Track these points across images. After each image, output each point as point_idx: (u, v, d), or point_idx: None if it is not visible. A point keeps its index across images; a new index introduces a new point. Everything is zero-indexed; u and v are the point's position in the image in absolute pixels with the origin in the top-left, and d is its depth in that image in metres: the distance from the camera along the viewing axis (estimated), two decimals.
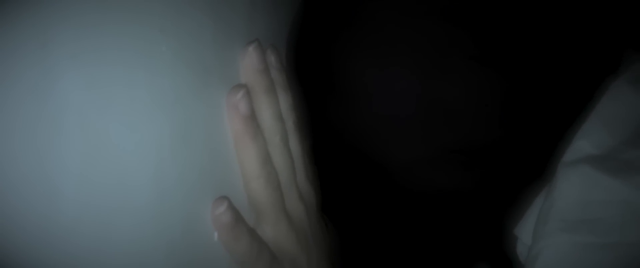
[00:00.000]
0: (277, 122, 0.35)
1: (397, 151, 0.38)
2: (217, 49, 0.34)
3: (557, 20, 0.37)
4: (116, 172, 0.24)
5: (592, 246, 0.30)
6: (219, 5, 0.34)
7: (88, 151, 0.22)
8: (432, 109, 0.37)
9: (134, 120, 0.25)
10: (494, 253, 0.41)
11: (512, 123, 0.36)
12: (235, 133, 0.33)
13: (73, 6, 0.22)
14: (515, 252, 0.37)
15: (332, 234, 0.41)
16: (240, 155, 0.33)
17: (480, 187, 0.38)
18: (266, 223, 0.34)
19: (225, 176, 0.32)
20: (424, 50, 0.37)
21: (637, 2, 0.39)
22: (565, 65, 0.37)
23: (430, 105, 0.37)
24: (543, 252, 0.31)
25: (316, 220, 0.38)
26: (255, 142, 0.33)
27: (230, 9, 0.36)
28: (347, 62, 0.39)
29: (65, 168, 0.21)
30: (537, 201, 0.36)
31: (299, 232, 0.36)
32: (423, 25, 0.37)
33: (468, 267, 0.44)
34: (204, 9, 0.33)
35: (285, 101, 0.36)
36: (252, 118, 0.33)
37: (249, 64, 0.34)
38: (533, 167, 0.37)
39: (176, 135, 0.28)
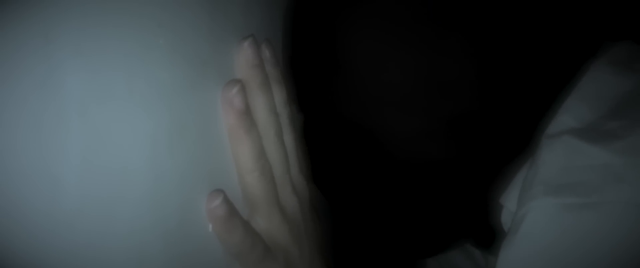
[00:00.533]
0: (272, 116, 0.35)
1: (396, 123, 0.39)
2: (213, 42, 0.34)
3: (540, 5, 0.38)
4: (115, 163, 0.24)
5: (574, 206, 0.31)
6: None
7: (88, 142, 0.23)
8: (430, 81, 0.38)
9: (133, 112, 0.26)
10: (480, 225, 0.42)
11: (491, 96, 0.38)
12: (229, 127, 0.33)
13: (75, 1, 0.23)
14: (500, 222, 0.38)
15: (324, 228, 0.41)
16: (234, 149, 0.33)
17: (469, 157, 0.39)
18: (260, 215, 0.34)
19: (220, 169, 0.33)
20: (421, 23, 0.38)
21: None
22: (547, 47, 0.39)
23: (427, 77, 0.38)
24: (528, 214, 0.32)
25: (309, 213, 0.39)
26: (250, 136, 0.33)
27: (226, 2, 0.36)
28: (349, 36, 0.39)
29: (67, 159, 0.21)
30: (521, 171, 0.37)
31: (292, 225, 0.36)
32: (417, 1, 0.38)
33: (454, 241, 0.45)
34: (200, 2, 0.33)
35: (279, 96, 0.37)
36: (247, 113, 0.33)
37: (244, 59, 0.35)
38: (517, 142, 0.38)
39: (173, 127, 0.29)
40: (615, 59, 0.39)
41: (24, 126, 0.20)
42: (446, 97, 0.38)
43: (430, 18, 0.37)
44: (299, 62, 0.42)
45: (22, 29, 0.20)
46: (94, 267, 0.23)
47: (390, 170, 0.41)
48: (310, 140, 0.44)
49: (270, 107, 0.35)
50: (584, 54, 0.39)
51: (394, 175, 0.41)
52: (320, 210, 0.42)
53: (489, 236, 0.41)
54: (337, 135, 0.42)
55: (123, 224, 0.25)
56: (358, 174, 0.42)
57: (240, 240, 0.32)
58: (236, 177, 0.34)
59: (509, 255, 0.32)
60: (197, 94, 0.32)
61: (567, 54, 0.39)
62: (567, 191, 0.32)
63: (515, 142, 0.38)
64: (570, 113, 0.36)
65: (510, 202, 0.37)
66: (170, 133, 0.29)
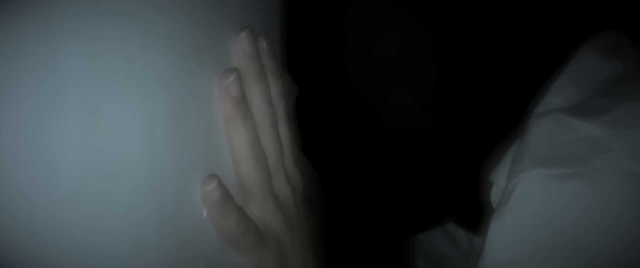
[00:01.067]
0: (268, 107, 0.36)
1: (392, 94, 0.40)
2: (210, 30, 0.34)
3: None
4: (112, 145, 0.25)
5: (562, 175, 0.32)
6: None
7: (86, 125, 0.23)
8: (426, 52, 0.38)
9: (130, 96, 0.26)
10: (469, 202, 0.43)
11: (483, 72, 0.39)
12: (226, 115, 0.33)
13: None
14: (489, 200, 0.39)
15: (316, 219, 0.42)
16: (230, 137, 0.34)
17: (459, 130, 0.40)
18: (254, 203, 0.35)
19: (214, 156, 0.33)
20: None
21: None
22: (537, 29, 0.40)
23: (424, 49, 0.38)
24: (518, 185, 0.33)
25: (302, 204, 0.39)
26: (246, 124, 0.34)
27: None
28: (348, 4, 0.40)
29: (64, 140, 0.22)
30: (511, 149, 0.38)
31: (285, 213, 0.37)
32: None
33: (444, 216, 0.46)
34: None
35: (275, 88, 0.37)
36: (243, 101, 0.34)
37: (241, 49, 0.35)
38: (507, 121, 0.39)
39: (169, 112, 0.29)
40: (602, 45, 0.40)
41: (23, 107, 0.20)
42: (441, 69, 0.38)
43: None
44: (297, 31, 0.43)
45: (22, 11, 0.20)
46: (91, 247, 0.23)
47: (383, 142, 0.41)
48: (304, 113, 0.44)
49: (266, 97, 0.36)
50: (573, 39, 0.40)
51: (386, 147, 0.41)
52: (313, 202, 0.43)
53: (477, 216, 0.42)
54: (331, 107, 0.43)
55: (119, 205, 0.25)
56: (350, 146, 0.43)
57: (234, 225, 0.32)
58: (231, 165, 0.34)
59: (500, 225, 0.33)
60: (194, 81, 0.32)
61: (556, 37, 0.40)
62: (556, 162, 0.33)
63: (505, 122, 0.39)
64: (559, 93, 0.38)
65: (500, 178, 0.38)
66: (166, 118, 0.29)
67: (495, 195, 0.39)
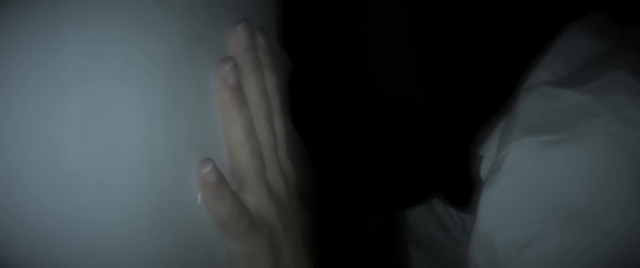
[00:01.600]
0: (263, 99, 0.37)
1: (387, 66, 0.40)
2: (208, 18, 0.35)
3: None
4: (112, 131, 0.25)
5: (551, 142, 0.33)
6: None
7: (87, 111, 0.24)
8: (422, 24, 0.39)
9: (130, 82, 0.27)
10: (459, 177, 0.44)
11: (474, 45, 0.39)
12: (222, 103, 0.34)
13: None
14: (479, 174, 0.40)
15: (308, 213, 0.43)
16: (226, 125, 0.34)
17: (451, 103, 0.40)
18: (248, 191, 0.36)
19: (211, 143, 0.34)
20: None
21: None
22: (527, 8, 0.40)
23: (414, 24, 0.39)
24: (508, 154, 0.34)
25: (295, 196, 0.40)
26: (241, 113, 0.34)
27: None
28: None
29: (66, 125, 0.23)
30: (501, 124, 0.39)
31: (278, 204, 0.38)
32: None
33: (435, 190, 0.47)
34: None
35: (271, 81, 0.38)
36: (239, 90, 0.34)
37: (237, 41, 0.36)
38: (497, 96, 0.40)
39: (167, 99, 0.30)
40: (589, 25, 0.41)
41: (27, 93, 0.21)
42: (432, 42, 0.39)
43: None
44: (293, 5, 0.43)
45: (30, 8, 0.21)
46: (91, 229, 0.24)
47: (375, 115, 0.42)
48: (297, 88, 0.45)
49: (261, 89, 0.37)
50: (562, 19, 0.41)
51: (378, 121, 0.42)
52: (306, 194, 0.44)
53: (466, 191, 0.43)
54: (324, 81, 0.43)
55: (118, 188, 0.26)
56: (343, 120, 0.43)
57: (228, 209, 0.33)
58: (226, 155, 0.35)
59: (491, 192, 0.34)
60: (191, 68, 0.33)
61: (546, 15, 0.41)
62: (545, 130, 0.33)
63: (495, 97, 0.40)
64: (547, 68, 0.39)
65: (489, 152, 0.39)
66: (164, 104, 0.30)
67: (485, 169, 0.39)
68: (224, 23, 0.36)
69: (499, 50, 0.40)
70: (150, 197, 0.28)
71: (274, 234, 0.37)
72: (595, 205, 0.31)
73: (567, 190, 0.32)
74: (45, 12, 0.22)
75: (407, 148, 0.42)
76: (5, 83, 0.20)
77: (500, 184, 0.34)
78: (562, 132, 0.33)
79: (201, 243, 0.33)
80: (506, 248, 0.33)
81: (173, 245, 0.30)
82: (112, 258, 0.26)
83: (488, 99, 0.41)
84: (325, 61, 0.42)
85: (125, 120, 0.26)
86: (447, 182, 0.45)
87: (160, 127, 0.29)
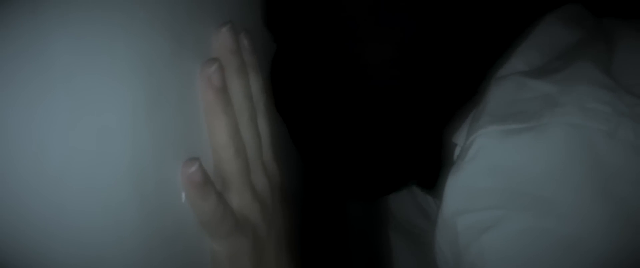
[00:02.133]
0: (247, 101, 0.37)
1: (364, 48, 0.41)
2: (191, 13, 0.35)
3: None
4: (97, 128, 0.25)
5: (516, 130, 0.33)
6: None
7: (72, 108, 0.23)
8: (392, 10, 0.40)
9: (114, 79, 0.27)
10: (432, 163, 0.44)
11: (449, 28, 0.40)
12: (207, 104, 0.34)
13: None
14: (452, 160, 0.41)
15: (292, 214, 0.43)
16: (210, 126, 0.34)
17: (427, 87, 0.41)
18: (232, 192, 0.36)
19: (195, 141, 0.34)
20: None
21: None
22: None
23: (397, 6, 0.40)
24: (475, 141, 0.34)
25: (278, 198, 0.40)
26: (226, 114, 0.34)
27: None
28: None
29: (52, 124, 0.22)
30: (473, 112, 0.39)
31: (262, 205, 0.38)
32: None
33: (406, 179, 0.48)
34: None
35: (256, 83, 0.38)
36: (224, 91, 0.34)
37: (222, 43, 0.36)
38: (471, 85, 0.41)
39: (151, 96, 0.30)
40: (565, 16, 0.42)
41: (12, 92, 0.21)
42: (408, 25, 0.40)
43: None
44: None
45: (13, 6, 0.21)
46: (75, 229, 0.24)
47: (355, 98, 0.42)
48: (280, 71, 0.45)
49: (246, 91, 0.37)
50: (538, 9, 0.42)
51: (357, 103, 0.42)
52: (289, 198, 0.44)
53: (441, 177, 0.44)
54: (306, 63, 0.43)
55: (103, 189, 0.26)
56: (324, 103, 0.44)
57: (213, 208, 0.33)
58: (210, 156, 0.35)
59: (457, 177, 0.35)
60: (175, 64, 0.32)
61: (522, 6, 0.42)
62: (511, 119, 0.34)
63: (469, 85, 0.41)
64: (521, 58, 0.39)
65: (461, 139, 0.40)
66: (148, 101, 0.29)
67: (457, 155, 0.40)
68: (206, 19, 0.36)
69: (475, 37, 0.41)
70: (135, 196, 0.28)
71: (258, 235, 0.37)
72: (552, 192, 0.32)
73: (527, 177, 0.33)
74: (29, 9, 0.22)
75: (384, 133, 0.43)
76: None
77: (465, 170, 0.34)
78: (527, 121, 0.34)
79: (185, 243, 0.33)
80: (467, 232, 0.33)
81: (158, 245, 0.30)
82: (97, 258, 0.25)
83: (463, 86, 0.41)
84: (306, 42, 0.43)
85: (109, 118, 0.26)
86: (422, 168, 0.46)
87: (144, 124, 0.29)
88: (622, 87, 0.34)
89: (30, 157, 0.21)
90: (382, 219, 0.64)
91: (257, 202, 0.37)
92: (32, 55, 0.21)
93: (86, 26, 0.24)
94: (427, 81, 0.41)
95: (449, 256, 0.35)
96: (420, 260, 0.59)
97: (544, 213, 0.32)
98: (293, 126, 0.47)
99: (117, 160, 0.27)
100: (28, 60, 0.21)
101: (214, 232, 0.34)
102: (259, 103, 0.38)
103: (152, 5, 0.30)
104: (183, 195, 0.32)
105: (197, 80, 0.34)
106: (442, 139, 0.42)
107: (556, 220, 0.31)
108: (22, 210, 0.21)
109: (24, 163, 0.21)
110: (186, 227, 0.33)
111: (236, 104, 0.36)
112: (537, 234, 0.32)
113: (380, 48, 0.40)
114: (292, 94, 0.45)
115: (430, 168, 0.45)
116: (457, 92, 0.41)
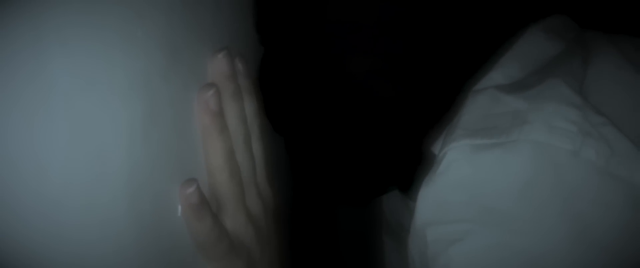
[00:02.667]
0: (242, 125, 0.37)
1: (353, 58, 0.41)
2: (185, 29, 0.35)
3: None
4: (96, 149, 0.26)
5: (485, 146, 0.34)
6: None
7: (72, 131, 0.24)
8: (381, 23, 0.40)
9: (112, 101, 0.27)
10: (413, 171, 0.45)
11: (432, 43, 0.41)
12: (203, 127, 0.35)
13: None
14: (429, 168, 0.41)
15: (284, 235, 0.43)
16: (206, 148, 0.35)
17: (411, 98, 0.42)
18: (226, 214, 0.36)
19: (190, 161, 0.35)
20: None
21: None
22: (486, 11, 0.42)
23: (379, 19, 0.40)
24: (447, 154, 0.35)
25: (272, 219, 0.41)
26: (222, 137, 0.35)
27: None
28: None
29: (53, 146, 0.23)
30: (450, 123, 0.40)
31: (256, 227, 0.38)
32: None
33: (387, 185, 0.48)
34: None
35: (250, 106, 0.39)
36: (220, 114, 0.35)
37: (218, 69, 0.36)
38: (452, 96, 0.41)
39: (147, 114, 0.30)
40: (549, 27, 0.43)
41: (16, 117, 0.21)
42: (395, 38, 0.40)
43: None
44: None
45: (15, 26, 0.21)
46: (75, 248, 0.24)
47: (342, 104, 0.43)
48: (268, 74, 0.46)
49: (241, 115, 0.37)
50: (523, 20, 0.43)
51: (345, 110, 0.43)
52: (283, 219, 0.44)
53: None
54: (294, 67, 0.44)
55: (101, 207, 0.26)
56: (311, 108, 0.44)
57: (208, 230, 0.33)
58: (204, 177, 0.35)
59: (428, 189, 0.35)
60: (170, 81, 0.33)
61: (506, 17, 0.42)
62: (481, 134, 0.35)
63: (451, 96, 0.41)
64: (501, 71, 0.40)
65: (438, 149, 0.40)
66: (144, 120, 0.30)
67: None
68: (201, 33, 0.37)
69: (461, 50, 0.41)
70: (132, 214, 0.29)
71: (252, 257, 0.38)
72: (516, 209, 0.33)
73: (494, 193, 0.34)
74: (30, 33, 0.22)
75: (370, 140, 0.44)
76: None
77: (436, 182, 0.35)
78: (497, 136, 0.34)
79: (180, 259, 0.33)
80: (436, 243, 0.34)
81: (153, 260, 0.31)
82: None
83: (444, 96, 0.42)
84: (296, 48, 0.43)
85: (107, 138, 0.27)
86: (403, 176, 0.47)
87: (140, 143, 0.30)
88: (591, 104, 0.35)
89: (32, 182, 0.22)
90: (375, 224, 0.65)
91: (251, 224, 0.38)
92: (33, 81, 0.22)
93: (85, 47, 0.25)
94: (413, 93, 0.41)
95: (418, 264, 0.36)
96: None
97: (507, 230, 0.32)
98: (281, 129, 0.47)
99: (115, 181, 0.27)
100: (28, 84, 0.22)
101: (209, 253, 0.35)
102: (253, 126, 0.39)
103: (150, 24, 0.31)
104: (179, 208, 0.33)
105: (193, 98, 0.35)
106: (421, 147, 0.43)
107: (519, 236, 0.32)
108: (23, 234, 0.22)
109: (26, 189, 0.22)
110: (181, 243, 0.33)
111: (231, 127, 0.37)
112: (501, 250, 0.32)
113: (370, 59, 0.41)
114: (279, 97, 0.46)
115: (409, 174, 0.46)
116: (438, 102, 0.42)
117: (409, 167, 0.45)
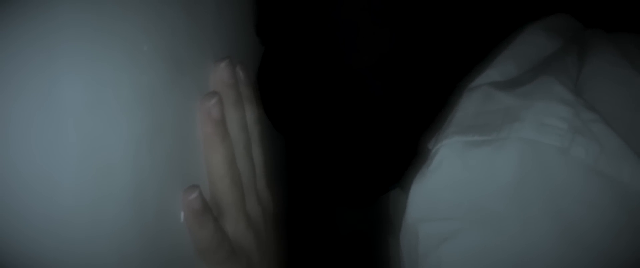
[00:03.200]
0: (242, 133, 0.38)
1: (349, 56, 0.42)
2: (188, 40, 0.36)
3: None
4: (103, 164, 0.26)
5: (476, 143, 0.34)
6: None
7: (83, 148, 0.25)
8: (375, 21, 0.41)
9: (119, 116, 0.28)
10: (410, 169, 0.45)
11: (427, 39, 0.41)
12: (205, 135, 0.35)
13: (73, 13, 0.25)
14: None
15: (283, 240, 0.44)
16: (208, 156, 0.36)
17: (407, 96, 0.42)
18: (227, 221, 0.37)
19: (192, 171, 0.35)
20: None
21: None
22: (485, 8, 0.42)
23: (373, 17, 0.41)
24: (439, 151, 0.35)
25: (271, 226, 0.42)
26: (224, 145, 0.36)
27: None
28: None
29: (65, 164, 0.24)
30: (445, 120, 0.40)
31: (256, 233, 0.39)
32: None
33: (388, 184, 0.49)
34: (178, 2, 0.35)
35: (251, 114, 0.39)
36: (222, 123, 0.36)
37: (220, 78, 0.37)
38: (448, 93, 0.41)
39: (152, 128, 0.31)
40: (550, 26, 0.42)
41: (31, 138, 0.22)
42: (390, 35, 0.41)
43: None
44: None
45: (28, 48, 0.22)
46: (85, 260, 0.25)
47: (339, 103, 0.43)
48: (268, 73, 0.46)
49: (242, 123, 0.38)
50: (522, 18, 0.42)
51: (341, 109, 0.43)
52: (282, 225, 0.45)
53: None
54: (294, 67, 0.44)
55: (108, 221, 0.27)
56: (310, 106, 0.45)
57: (210, 236, 0.34)
58: (205, 183, 0.36)
59: (420, 186, 0.35)
60: (174, 92, 0.34)
61: (505, 16, 0.42)
62: (473, 131, 0.35)
63: (447, 93, 0.41)
64: (498, 68, 0.40)
65: (433, 145, 0.40)
66: (149, 133, 0.31)
67: None
68: (203, 44, 0.37)
69: (455, 47, 0.42)
70: (136, 225, 0.29)
71: (251, 262, 0.38)
72: (503, 208, 0.33)
73: (483, 191, 0.34)
74: (42, 53, 0.23)
75: (369, 138, 0.44)
76: (6, 125, 0.22)
77: (429, 179, 0.35)
78: (488, 134, 0.34)
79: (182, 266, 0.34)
80: (427, 240, 0.34)
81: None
82: None
83: (443, 94, 0.42)
84: (296, 46, 0.44)
85: (115, 153, 0.27)
86: (402, 174, 0.46)
87: (146, 154, 0.30)
88: (584, 101, 0.35)
89: (44, 200, 0.23)
90: (381, 226, 0.65)
91: (251, 230, 0.38)
92: (46, 104, 0.23)
93: (94, 66, 0.26)
94: (406, 90, 0.42)
95: (407, 260, 0.36)
96: None
97: (496, 229, 0.32)
98: (281, 127, 0.48)
99: (121, 192, 0.28)
100: (42, 108, 0.23)
101: (210, 258, 0.35)
102: (253, 133, 0.40)
103: (155, 37, 0.31)
104: (182, 215, 0.34)
105: (195, 107, 0.35)
106: (419, 144, 0.43)
107: (506, 236, 0.32)
108: (36, 252, 0.23)
109: (38, 207, 0.22)
110: (182, 250, 0.34)
111: (232, 135, 0.37)
112: (489, 250, 0.32)
113: (361, 57, 0.41)
114: (280, 95, 0.46)
115: (410, 173, 0.46)
116: (435, 99, 0.42)
117: (410, 165, 0.45)
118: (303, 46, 0.43)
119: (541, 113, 0.34)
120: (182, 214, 0.34)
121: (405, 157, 0.45)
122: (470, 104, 0.37)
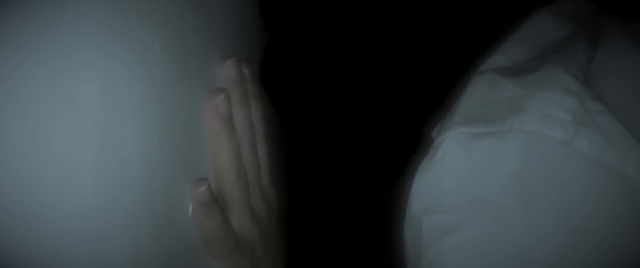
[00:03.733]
0: (248, 129, 0.39)
1: (348, 36, 0.42)
2: (198, 36, 0.36)
3: None
4: (119, 160, 0.27)
5: (480, 134, 0.34)
6: None
7: (101, 144, 0.25)
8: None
9: (133, 112, 0.29)
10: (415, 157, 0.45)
11: (432, 23, 0.41)
12: (213, 130, 0.36)
13: (90, 12, 0.25)
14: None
15: (286, 236, 0.45)
16: (215, 151, 0.36)
17: (413, 81, 0.42)
18: (232, 215, 0.38)
19: (200, 164, 0.36)
20: None
21: None
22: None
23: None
24: (443, 142, 0.35)
25: (275, 221, 0.42)
26: (230, 140, 0.36)
27: None
28: None
29: (85, 162, 0.24)
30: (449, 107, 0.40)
31: (260, 227, 0.40)
32: None
33: (395, 174, 0.48)
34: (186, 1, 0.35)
35: (256, 111, 0.40)
36: (230, 118, 0.36)
37: (226, 75, 0.38)
38: (454, 79, 0.41)
39: (163, 122, 0.32)
40: (560, 11, 0.42)
41: (51, 134, 0.23)
42: (390, 16, 0.41)
43: None
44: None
45: (50, 50, 0.23)
46: (101, 254, 0.26)
47: (343, 86, 0.44)
48: (271, 60, 0.47)
49: (247, 119, 0.39)
50: (532, 2, 0.42)
51: (343, 93, 0.44)
52: (284, 220, 0.46)
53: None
54: (298, 51, 0.45)
55: (122, 216, 0.28)
56: (314, 91, 0.45)
57: (217, 227, 0.35)
58: (212, 177, 0.37)
59: (423, 178, 0.36)
60: (183, 88, 0.34)
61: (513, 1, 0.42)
62: (478, 121, 0.35)
63: (453, 78, 0.41)
64: (504, 53, 0.40)
65: (436, 134, 0.40)
66: (161, 128, 0.31)
67: None
68: (212, 38, 0.38)
69: (458, 32, 0.41)
70: (148, 218, 0.30)
71: (255, 256, 0.39)
72: (507, 200, 0.33)
73: (487, 183, 0.33)
74: (61, 51, 0.24)
75: (375, 124, 0.44)
76: (26, 122, 0.22)
77: (432, 170, 0.35)
78: (492, 125, 0.34)
79: (190, 259, 0.35)
80: (430, 231, 0.34)
81: (166, 260, 0.32)
82: None
83: (446, 80, 0.42)
84: (298, 32, 0.44)
85: (129, 147, 0.28)
86: (406, 163, 0.46)
87: (158, 149, 0.31)
88: (591, 91, 0.34)
89: (67, 199, 0.23)
90: (395, 220, 0.65)
91: (256, 224, 0.39)
92: (69, 104, 0.23)
93: (110, 63, 0.26)
94: (410, 76, 0.42)
95: (410, 251, 0.36)
96: None
97: (498, 221, 0.32)
98: (284, 114, 0.48)
99: (135, 189, 0.29)
100: (66, 109, 0.23)
101: (216, 250, 0.36)
102: (258, 130, 0.40)
103: (166, 34, 0.32)
104: (190, 207, 0.35)
105: (203, 103, 0.36)
106: (422, 131, 0.43)
107: (509, 228, 0.32)
108: (56, 249, 0.23)
109: (62, 206, 0.23)
110: (190, 242, 0.35)
111: (238, 131, 0.38)
112: (492, 241, 0.32)
113: (366, 39, 0.41)
114: (283, 82, 0.46)
115: (411, 160, 0.46)
116: (440, 86, 0.42)
117: (413, 153, 0.44)
118: (307, 28, 0.43)
119: (545, 103, 0.33)
120: (190, 206, 0.35)
121: (409, 145, 0.45)
122: (476, 91, 0.37)
